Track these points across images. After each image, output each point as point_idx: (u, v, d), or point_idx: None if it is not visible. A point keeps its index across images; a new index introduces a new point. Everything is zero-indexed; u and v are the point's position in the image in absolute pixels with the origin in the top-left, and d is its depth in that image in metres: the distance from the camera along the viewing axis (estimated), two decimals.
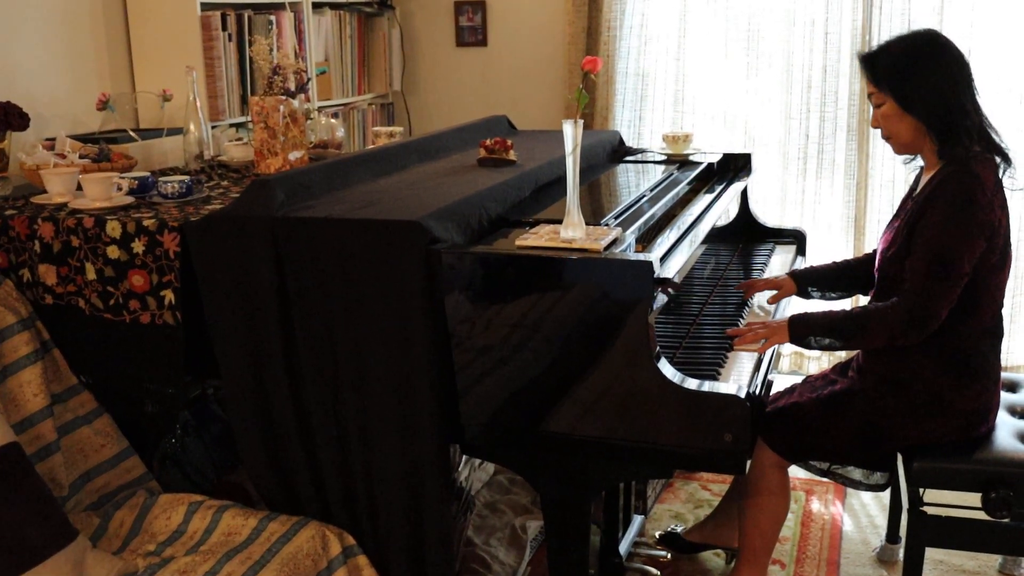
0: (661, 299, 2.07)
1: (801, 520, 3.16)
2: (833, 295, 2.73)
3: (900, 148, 2.38)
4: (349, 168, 2.50)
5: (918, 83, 2.26)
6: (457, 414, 2.06)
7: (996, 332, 2.35)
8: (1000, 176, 2.28)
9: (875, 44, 2.46)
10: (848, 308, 2.38)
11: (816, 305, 2.78)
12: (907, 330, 2.22)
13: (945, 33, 2.66)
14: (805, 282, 2.69)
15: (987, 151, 2.28)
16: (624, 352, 1.92)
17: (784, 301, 2.73)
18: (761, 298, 2.73)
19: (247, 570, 2.03)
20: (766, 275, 2.99)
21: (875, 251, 2.66)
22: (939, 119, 2.26)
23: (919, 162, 2.44)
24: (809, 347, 2.33)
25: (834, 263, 2.73)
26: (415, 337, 1.99)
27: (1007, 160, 2.31)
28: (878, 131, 2.44)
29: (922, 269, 2.21)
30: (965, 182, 2.20)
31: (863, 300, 3.95)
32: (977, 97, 2.29)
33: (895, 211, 2.51)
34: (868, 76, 2.34)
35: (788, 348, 4.38)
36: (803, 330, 2.31)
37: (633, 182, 2.77)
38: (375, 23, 4.66)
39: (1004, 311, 2.36)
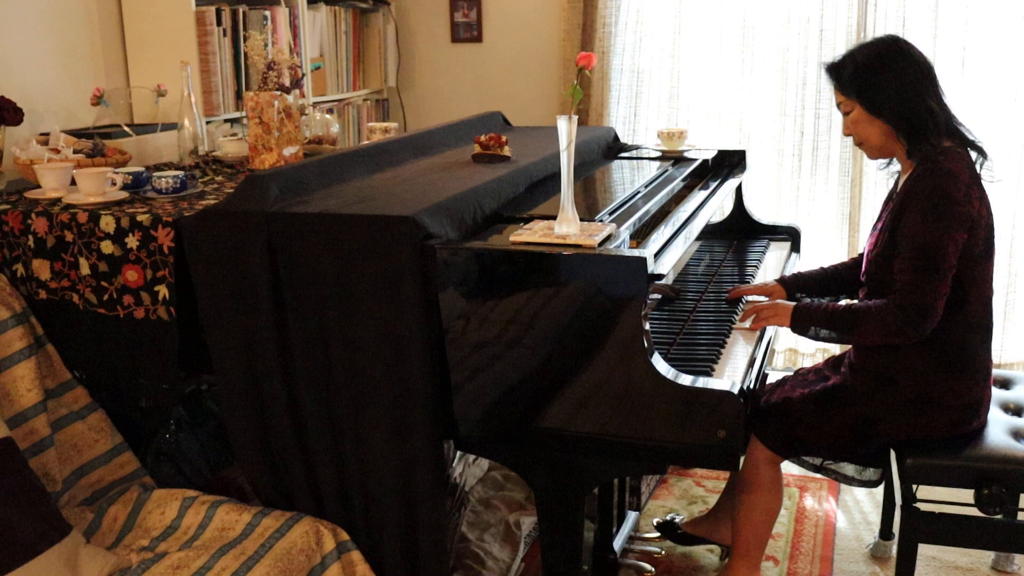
0: (655, 297, 2.07)
1: (795, 516, 3.17)
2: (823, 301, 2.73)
3: (873, 152, 2.42)
4: (343, 164, 2.49)
5: (883, 87, 2.31)
6: (451, 410, 2.06)
7: (986, 326, 2.35)
8: (976, 169, 2.31)
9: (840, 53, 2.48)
10: (850, 302, 2.39)
11: None
12: (904, 327, 2.23)
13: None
14: (795, 288, 2.70)
15: (959, 146, 2.31)
16: (618, 348, 1.92)
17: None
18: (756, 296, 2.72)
19: (241, 565, 2.03)
20: (760, 271, 3.00)
21: (861, 255, 2.68)
22: (906, 120, 2.31)
23: (896, 167, 2.47)
24: (807, 336, 2.37)
25: (822, 268, 2.75)
26: (409, 333, 1.99)
27: (981, 153, 2.34)
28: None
29: (909, 266, 2.23)
30: (937, 177, 2.23)
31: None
32: (943, 97, 2.34)
33: (879, 214, 2.53)
34: (835, 85, 2.39)
35: (782, 344, 4.40)
36: (805, 318, 2.36)
37: (628, 178, 2.77)
38: (370, 19, 4.66)
39: (997, 308, 2.37)
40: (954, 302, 2.27)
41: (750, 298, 2.64)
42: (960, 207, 2.20)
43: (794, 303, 2.41)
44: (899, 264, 2.26)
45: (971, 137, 2.34)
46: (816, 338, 2.37)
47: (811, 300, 2.40)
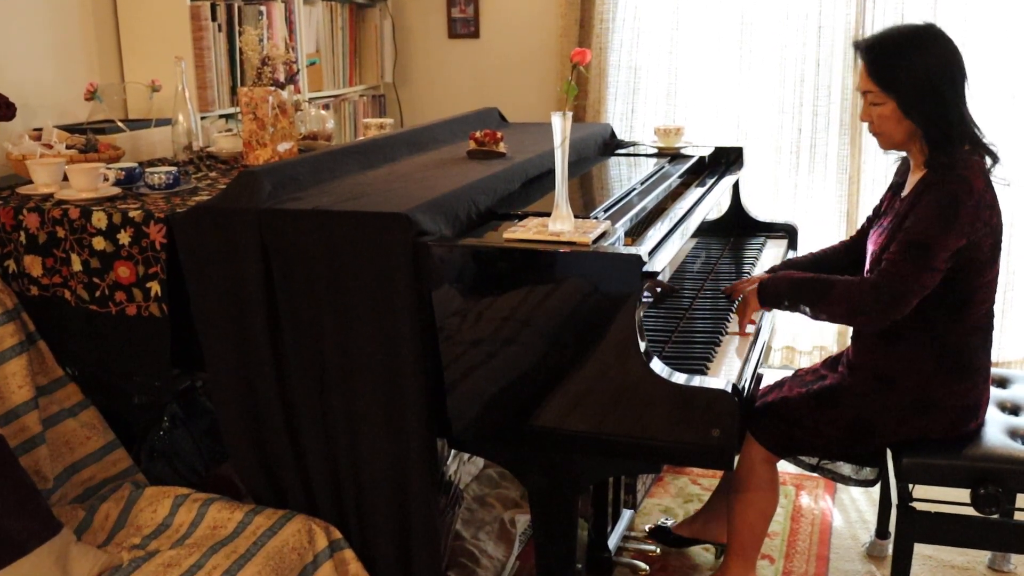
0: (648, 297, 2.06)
1: (791, 515, 3.16)
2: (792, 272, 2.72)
3: (888, 146, 2.36)
4: (338, 160, 2.48)
5: (925, 92, 2.21)
6: (444, 408, 2.05)
7: (987, 328, 2.34)
8: (989, 173, 2.27)
9: (873, 33, 2.40)
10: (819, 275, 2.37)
11: None
12: (871, 308, 2.21)
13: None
14: None
15: (975, 150, 2.27)
16: (613, 346, 1.91)
17: None
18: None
19: (232, 564, 2.01)
20: (757, 269, 2.99)
21: (852, 239, 2.67)
22: (938, 128, 2.23)
23: (900, 153, 2.44)
24: (780, 307, 2.36)
25: (810, 254, 2.73)
26: (402, 330, 1.98)
27: (994, 157, 2.29)
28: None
29: (898, 252, 2.20)
30: (952, 185, 2.17)
31: None
32: (968, 97, 2.26)
33: (880, 206, 2.51)
34: (870, 74, 2.27)
35: (779, 342, 4.39)
36: (771, 290, 2.35)
37: (624, 175, 2.76)
38: (367, 14, 4.64)
39: (995, 307, 2.35)
40: (957, 305, 2.25)
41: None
42: (967, 214, 2.16)
43: (756, 284, 2.38)
44: (891, 248, 2.23)
45: (985, 141, 2.28)
46: (789, 309, 2.34)
47: (776, 273, 2.37)
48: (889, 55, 2.25)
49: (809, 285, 2.30)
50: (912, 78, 2.22)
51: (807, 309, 2.31)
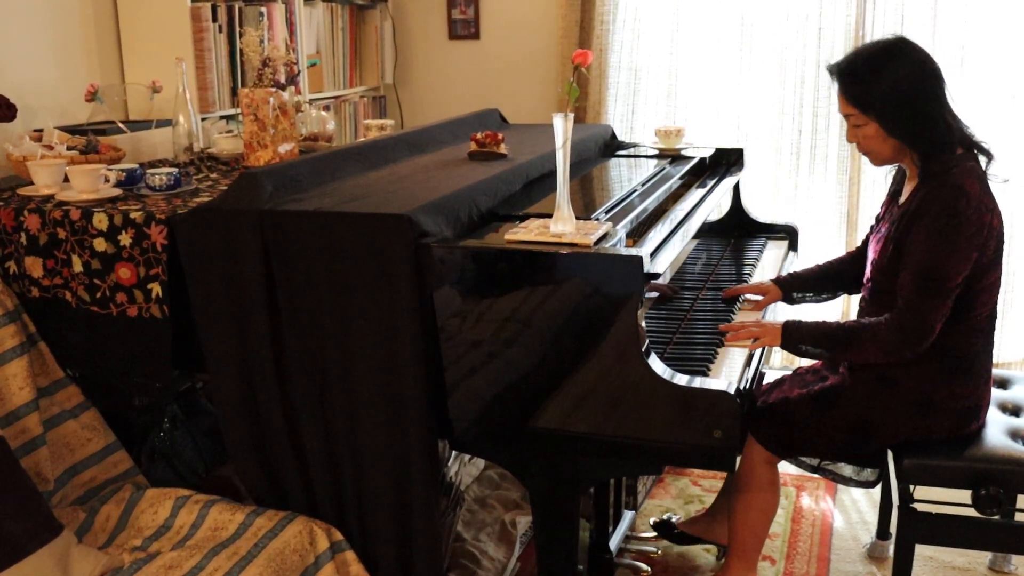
0: (652, 295, 2.06)
1: (791, 516, 3.16)
2: (818, 299, 2.71)
3: (880, 163, 2.36)
4: (338, 161, 2.48)
5: (904, 109, 2.22)
6: (446, 409, 2.05)
7: (989, 330, 2.34)
8: (985, 175, 2.26)
9: (845, 54, 2.39)
10: (841, 320, 2.35)
11: (803, 309, 2.76)
12: (900, 347, 2.21)
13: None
14: (790, 288, 2.67)
15: (968, 152, 2.26)
16: (614, 347, 1.91)
17: (772, 305, 2.71)
18: (751, 295, 2.71)
19: (234, 565, 2.01)
20: (758, 270, 2.99)
21: (858, 250, 2.66)
22: (925, 141, 2.23)
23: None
24: (799, 354, 2.32)
25: (817, 266, 2.72)
26: (403, 331, 1.98)
27: (988, 155, 2.29)
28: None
29: (912, 286, 2.19)
30: (949, 196, 2.17)
31: (843, 297, 3.99)
32: (950, 100, 2.26)
33: (880, 213, 2.51)
34: (847, 98, 2.28)
35: None
36: (795, 337, 2.31)
37: (625, 176, 2.76)
38: (367, 15, 4.64)
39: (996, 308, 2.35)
40: (959, 308, 2.24)
41: (739, 311, 2.60)
42: (970, 226, 2.15)
43: (783, 321, 2.34)
44: (902, 281, 2.22)
45: (977, 140, 2.28)
46: (809, 356, 2.32)
47: (800, 319, 2.34)
48: (862, 77, 2.25)
49: (834, 334, 2.27)
50: (888, 97, 2.22)
51: (831, 355, 2.30)
